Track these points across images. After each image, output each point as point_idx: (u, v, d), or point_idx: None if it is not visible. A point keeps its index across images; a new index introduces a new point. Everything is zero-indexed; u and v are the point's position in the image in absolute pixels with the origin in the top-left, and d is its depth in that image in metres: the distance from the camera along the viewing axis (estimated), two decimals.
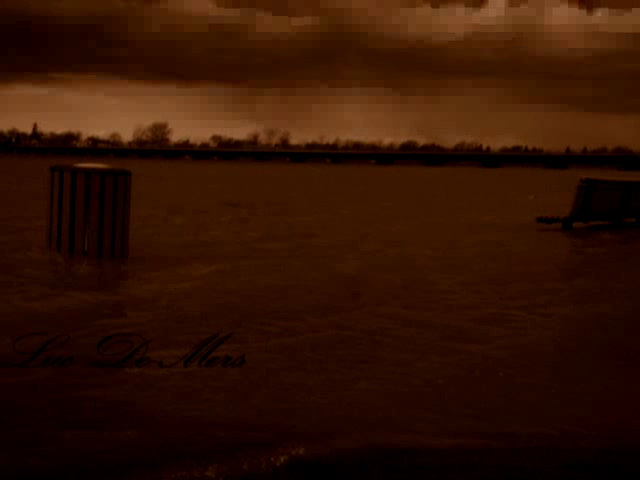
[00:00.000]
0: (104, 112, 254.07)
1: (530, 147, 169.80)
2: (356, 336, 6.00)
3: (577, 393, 4.84)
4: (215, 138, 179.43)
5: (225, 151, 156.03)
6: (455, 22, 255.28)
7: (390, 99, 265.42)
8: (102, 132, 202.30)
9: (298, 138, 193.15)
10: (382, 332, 6.12)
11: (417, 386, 4.82)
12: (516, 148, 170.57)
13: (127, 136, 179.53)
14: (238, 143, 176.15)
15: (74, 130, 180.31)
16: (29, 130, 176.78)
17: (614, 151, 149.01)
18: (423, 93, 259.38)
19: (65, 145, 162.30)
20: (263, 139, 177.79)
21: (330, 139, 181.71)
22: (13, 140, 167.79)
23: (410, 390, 4.74)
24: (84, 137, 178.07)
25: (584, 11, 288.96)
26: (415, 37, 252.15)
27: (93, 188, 9.36)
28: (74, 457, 3.53)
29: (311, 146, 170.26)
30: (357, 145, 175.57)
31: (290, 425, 4.04)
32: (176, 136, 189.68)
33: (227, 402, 4.39)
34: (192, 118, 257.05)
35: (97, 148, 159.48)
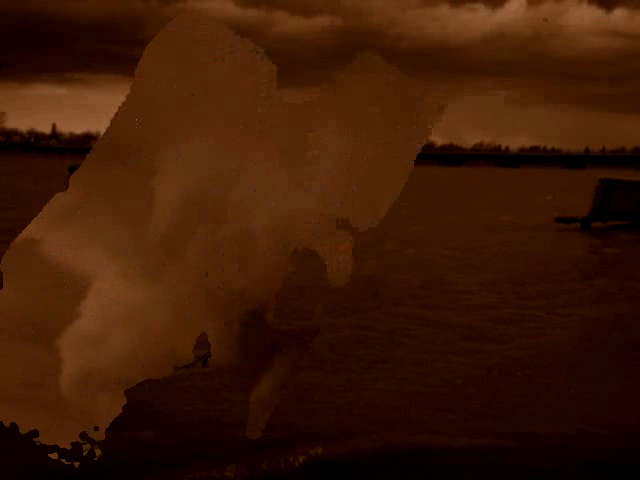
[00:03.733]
0: None
1: (548, 147, 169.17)
2: (374, 336, 6.00)
3: (595, 393, 4.82)
4: None
5: None
6: (474, 22, 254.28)
7: None
8: None
9: None
10: (400, 332, 6.12)
11: (435, 386, 4.81)
12: (534, 148, 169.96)
13: None
14: None
15: (93, 130, 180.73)
16: (48, 130, 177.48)
17: (633, 151, 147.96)
18: (441, 93, 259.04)
19: (84, 145, 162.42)
20: None
21: None
22: (32, 140, 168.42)
23: (428, 390, 4.73)
24: None
25: (603, 11, 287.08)
26: (434, 37, 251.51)
27: None
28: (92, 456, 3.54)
29: None
30: None
31: (308, 425, 4.05)
32: None
33: (245, 402, 4.39)
34: None
35: None
